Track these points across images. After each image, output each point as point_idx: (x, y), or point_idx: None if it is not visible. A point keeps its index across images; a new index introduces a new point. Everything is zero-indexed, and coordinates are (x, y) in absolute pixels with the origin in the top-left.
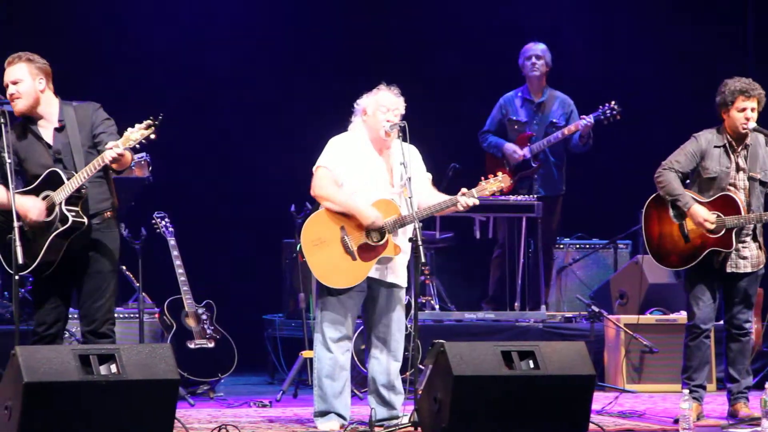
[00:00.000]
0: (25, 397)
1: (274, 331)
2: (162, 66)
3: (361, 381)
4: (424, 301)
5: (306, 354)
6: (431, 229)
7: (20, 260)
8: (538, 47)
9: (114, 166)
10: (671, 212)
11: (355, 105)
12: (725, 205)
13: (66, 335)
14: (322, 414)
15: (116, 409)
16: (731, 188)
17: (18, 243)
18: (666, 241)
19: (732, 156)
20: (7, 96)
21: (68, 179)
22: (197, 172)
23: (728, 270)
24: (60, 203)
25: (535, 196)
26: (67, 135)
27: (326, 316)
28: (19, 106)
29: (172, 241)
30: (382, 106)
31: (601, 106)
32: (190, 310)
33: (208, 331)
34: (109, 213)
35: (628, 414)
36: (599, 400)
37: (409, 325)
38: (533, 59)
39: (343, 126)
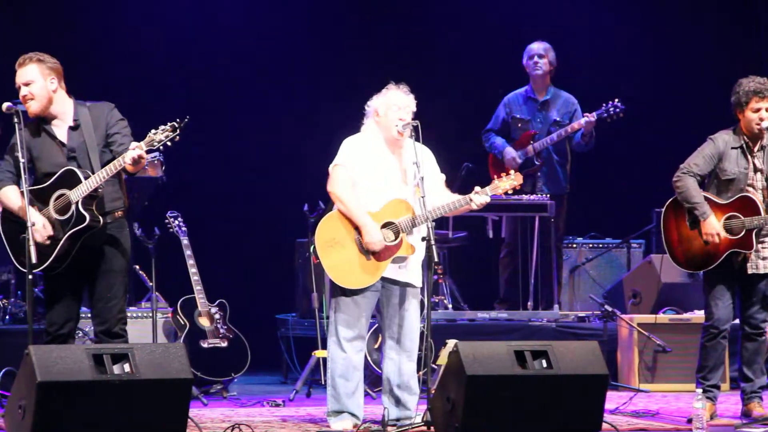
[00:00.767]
0: (38, 397)
1: (287, 330)
2: (176, 65)
3: (374, 380)
4: (437, 300)
5: (318, 353)
6: (444, 229)
7: (34, 260)
8: (541, 46)
9: (131, 168)
10: (687, 219)
11: (366, 107)
12: (744, 206)
13: (79, 334)
14: (336, 413)
15: (129, 409)
16: (749, 189)
17: (32, 242)
18: (685, 243)
19: (749, 157)
20: (20, 98)
21: (85, 178)
22: (210, 171)
23: (749, 271)
24: (77, 202)
25: (548, 194)
26: (81, 134)
27: (340, 316)
28: (33, 107)
29: (185, 241)
30: (393, 105)
31: (604, 104)
32: (204, 310)
33: (222, 331)
34: (120, 212)
35: (641, 413)
36: (612, 399)
37: (421, 325)
38: (536, 58)
39: (355, 124)
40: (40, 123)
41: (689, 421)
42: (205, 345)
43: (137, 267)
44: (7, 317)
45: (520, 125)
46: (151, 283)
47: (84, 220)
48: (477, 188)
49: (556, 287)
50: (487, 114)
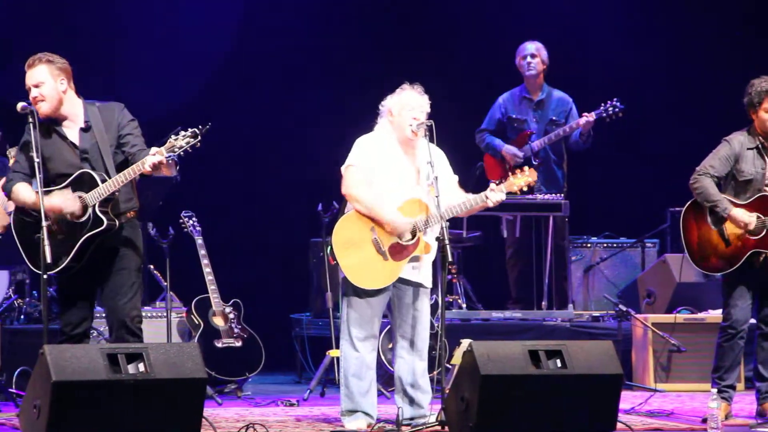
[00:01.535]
0: (53, 396)
1: (301, 330)
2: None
3: (387, 380)
4: (451, 300)
5: (333, 353)
6: (459, 229)
7: (48, 259)
8: (533, 45)
9: (148, 172)
10: (709, 219)
11: (380, 107)
12: (763, 206)
13: (94, 334)
14: (350, 413)
15: (144, 408)
16: (767, 189)
17: (47, 242)
18: (706, 245)
19: (765, 157)
20: (30, 99)
21: (102, 181)
22: (224, 171)
23: None
24: (94, 205)
25: (562, 194)
26: (93, 135)
27: (352, 316)
28: (44, 109)
29: (199, 240)
30: (407, 105)
31: (603, 104)
32: (218, 309)
33: (236, 330)
34: (133, 212)
35: (656, 413)
36: (627, 399)
37: (436, 324)
38: (528, 58)
39: (368, 124)
40: (51, 124)
41: (704, 421)
42: (219, 344)
43: (152, 267)
44: (22, 317)
45: (516, 125)
46: (165, 283)
47: (101, 224)
48: (492, 185)
49: (570, 287)
50: None
